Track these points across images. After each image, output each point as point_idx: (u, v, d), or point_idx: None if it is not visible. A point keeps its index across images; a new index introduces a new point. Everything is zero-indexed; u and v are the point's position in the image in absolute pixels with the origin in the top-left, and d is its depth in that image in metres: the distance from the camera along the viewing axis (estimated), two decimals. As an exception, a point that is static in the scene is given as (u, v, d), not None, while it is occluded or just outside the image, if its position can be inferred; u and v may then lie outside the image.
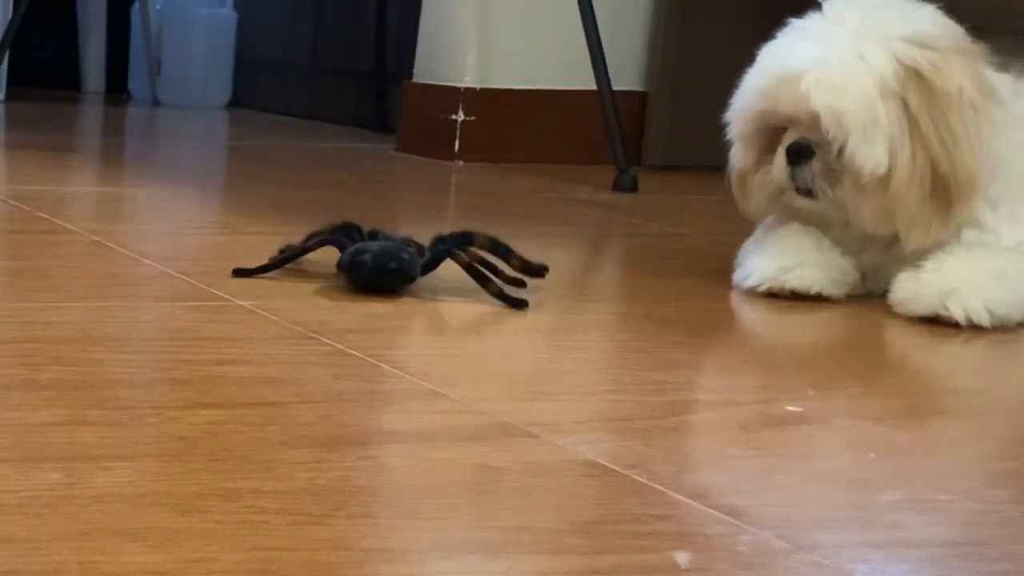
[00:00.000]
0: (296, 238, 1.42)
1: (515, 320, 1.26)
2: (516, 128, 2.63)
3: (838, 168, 1.37)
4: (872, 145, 1.34)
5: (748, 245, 1.48)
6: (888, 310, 1.37)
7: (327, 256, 1.40)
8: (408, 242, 1.37)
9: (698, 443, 0.93)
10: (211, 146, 3.03)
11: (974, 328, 1.30)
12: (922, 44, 1.36)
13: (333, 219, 1.42)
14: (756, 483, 0.84)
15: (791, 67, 1.38)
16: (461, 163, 2.59)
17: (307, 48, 3.58)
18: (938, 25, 1.39)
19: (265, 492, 0.76)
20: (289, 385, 0.99)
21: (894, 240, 1.40)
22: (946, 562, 0.73)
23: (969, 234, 1.37)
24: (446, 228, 1.41)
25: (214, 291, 1.30)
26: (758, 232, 1.49)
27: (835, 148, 1.36)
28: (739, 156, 1.46)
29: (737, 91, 1.44)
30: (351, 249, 1.34)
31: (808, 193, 1.40)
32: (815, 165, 1.38)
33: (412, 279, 1.33)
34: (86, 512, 0.72)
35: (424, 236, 1.41)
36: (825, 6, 1.41)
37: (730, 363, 1.19)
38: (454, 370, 1.07)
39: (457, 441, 0.88)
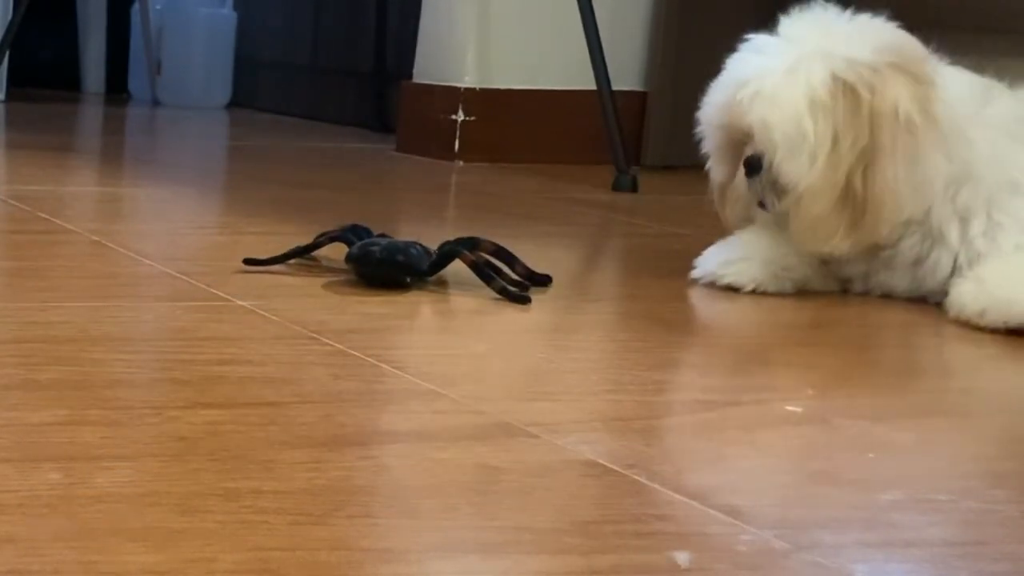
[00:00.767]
0: (296, 238, 1.42)
1: (515, 320, 1.26)
2: (516, 128, 2.63)
3: (783, 181, 1.38)
4: (797, 159, 1.37)
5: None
6: (888, 310, 1.37)
7: (335, 253, 1.41)
8: (415, 243, 1.38)
9: (698, 443, 0.93)
10: (211, 146, 3.03)
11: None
12: (865, 63, 1.37)
13: (335, 220, 1.42)
14: (756, 483, 0.84)
15: (737, 81, 1.41)
16: (461, 163, 2.59)
17: (307, 48, 3.58)
18: (891, 43, 1.39)
19: (265, 492, 0.76)
20: (289, 385, 1.00)
21: (876, 248, 1.41)
22: (946, 562, 0.73)
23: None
24: (446, 228, 1.41)
25: (214, 291, 1.30)
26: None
27: (767, 161, 1.38)
28: (714, 169, 1.49)
29: (702, 105, 1.47)
30: (360, 243, 1.36)
31: (763, 205, 1.42)
32: (764, 177, 1.39)
33: (419, 273, 1.35)
34: (86, 512, 0.72)
35: (424, 236, 1.41)
36: (782, 21, 1.43)
37: (730, 363, 1.19)
38: (454, 370, 1.07)
39: (457, 441, 0.88)
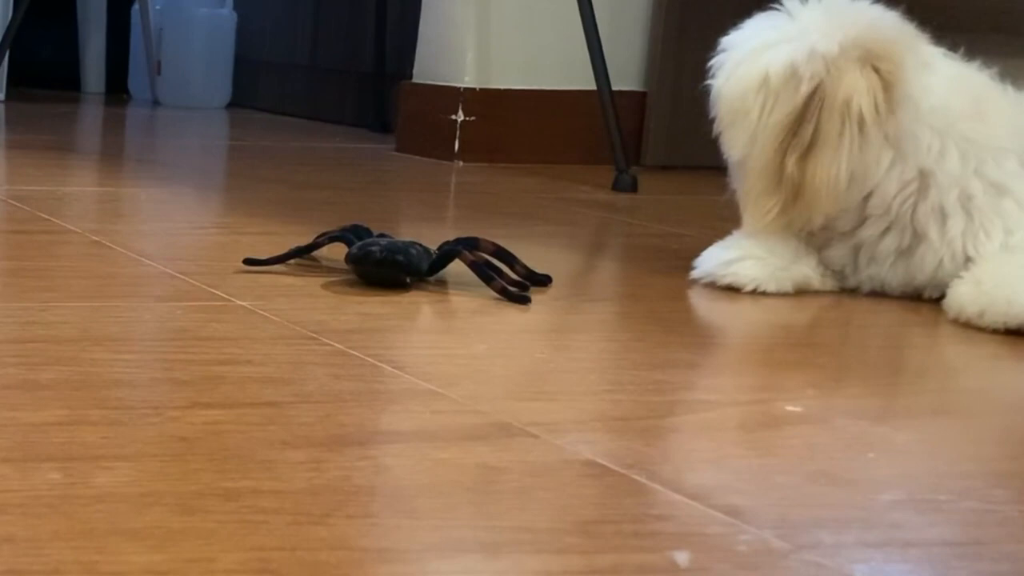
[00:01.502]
0: (296, 238, 1.42)
1: (515, 320, 1.26)
2: (516, 128, 2.63)
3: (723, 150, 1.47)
4: (735, 133, 1.42)
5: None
6: (887, 311, 1.37)
7: (335, 253, 1.41)
8: (415, 243, 1.38)
9: (698, 443, 0.93)
10: (211, 146, 3.03)
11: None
12: (826, 55, 1.39)
13: (335, 220, 1.43)
14: (756, 483, 0.84)
15: (724, 44, 1.47)
16: (461, 163, 2.59)
17: (307, 48, 3.58)
18: (870, 37, 1.40)
19: (265, 492, 0.76)
20: (289, 385, 1.00)
21: (852, 236, 1.44)
22: (946, 562, 0.73)
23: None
24: (446, 228, 1.41)
25: (214, 291, 1.30)
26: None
27: (716, 129, 1.45)
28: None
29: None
30: (360, 243, 1.36)
31: None
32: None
33: (418, 273, 1.35)
34: (86, 512, 0.72)
35: (424, 236, 1.41)
36: (785, 2, 1.45)
37: (730, 363, 1.19)
38: (454, 370, 1.07)
39: (457, 441, 0.88)
